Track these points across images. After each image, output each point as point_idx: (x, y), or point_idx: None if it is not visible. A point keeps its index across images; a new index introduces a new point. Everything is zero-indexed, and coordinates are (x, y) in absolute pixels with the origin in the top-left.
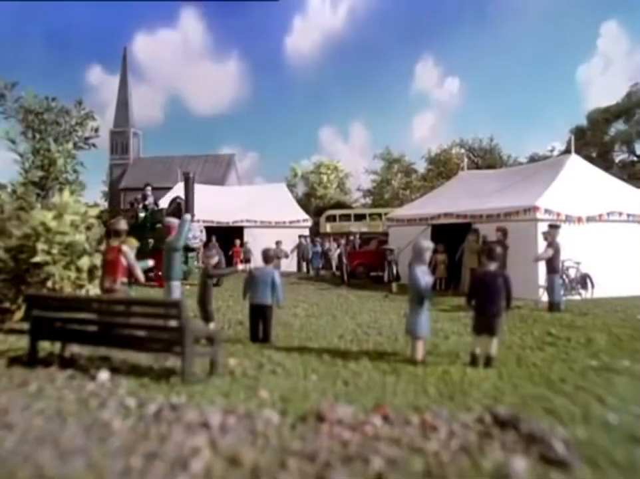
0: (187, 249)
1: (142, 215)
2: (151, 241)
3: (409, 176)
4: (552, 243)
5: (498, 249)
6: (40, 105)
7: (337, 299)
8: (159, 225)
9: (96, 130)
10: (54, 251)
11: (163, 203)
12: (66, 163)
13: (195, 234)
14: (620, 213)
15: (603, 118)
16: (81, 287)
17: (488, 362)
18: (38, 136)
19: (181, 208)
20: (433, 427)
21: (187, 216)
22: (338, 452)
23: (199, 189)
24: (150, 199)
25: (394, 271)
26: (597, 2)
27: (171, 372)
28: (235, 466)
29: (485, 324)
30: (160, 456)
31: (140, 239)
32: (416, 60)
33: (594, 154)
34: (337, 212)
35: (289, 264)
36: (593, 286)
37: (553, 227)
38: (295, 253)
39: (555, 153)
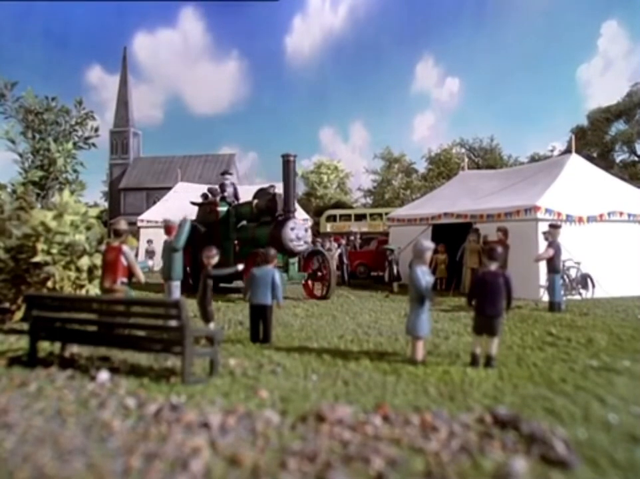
0: (290, 253)
1: (223, 210)
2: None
3: (409, 176)
4: (553, 243)
5: (499, 249)
6: (40, 105)
7: (337, 299)
8: (244, 223)
9: (96, 129)
10: (54, 251)
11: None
12: (66, 163)
13: (298, 234)
14: (620, 213)
15: (603, 117)
16: (81, 287)
17: (488, 362)
18: (38, 135)
19: (276, 200)
20: (433, 427)
21: (188, 217)
22: (338, 452)
23: (199, 189)
24: (230, 191)
25: (395, 271)
26: (597, 2)
27: (171, 372)
28: (235, 466)
29: (485, 325)
30: (160, 456)
31: (223, 239)
32: (416, 60)
33: (595, 154)
34: (337, 212)
35: None
36: (593, 286)
37: (554, 227)
38: None
39: (556, 153)
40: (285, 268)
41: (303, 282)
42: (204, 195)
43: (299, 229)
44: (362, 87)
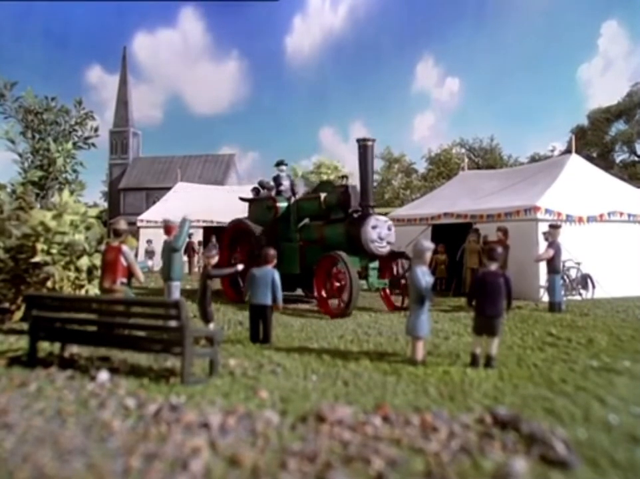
0: (371, 256)
1: (282, 205)
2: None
3: (409, 176)
4: (553, 243)
5: (499, 249)
6: (40, 105)
7: None
8: (307, 221)
9: (96, 129)
10: (54, 251)
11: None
12: (65, 163)
13: (381, 233)
14: (621, 213)
15: (603, 117)
16: (81, 287)
17: (489, 362)
18: (37, 135)
19: (350, 194)
20: (433, 427)
21: (188, 216)
22: (338, 453)
23: (199, 189)
24: (286, 184)
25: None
26: (598, 2)
27: (171, 372)
28: (235, 466)
29: (485, 325)
30: (160, 457)
31: (282, 240)
32: (417, 60)
33: (595, 154)
34: None
35: None
36: (593, 286)
37: (554, 227)
38: None
39: (556, 153)
40: (363, 274)
41: (382, 291)
42: (255, 190)
43: (381, 227)
44: (362, 87)
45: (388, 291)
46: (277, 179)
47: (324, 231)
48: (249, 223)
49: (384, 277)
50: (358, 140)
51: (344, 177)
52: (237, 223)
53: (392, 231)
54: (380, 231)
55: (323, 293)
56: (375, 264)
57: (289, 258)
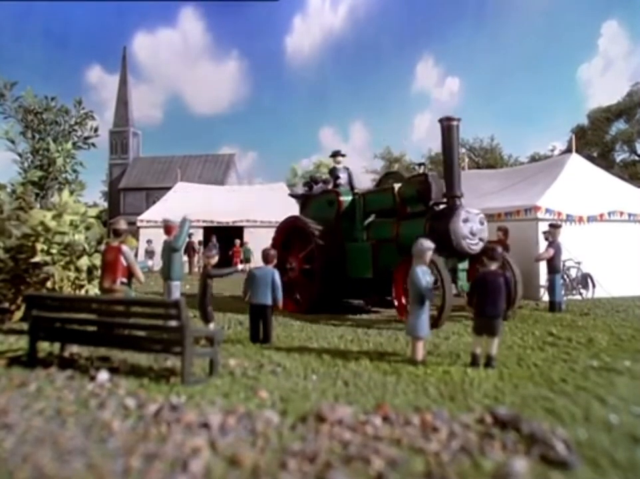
0: (462, 255)
1: (346, 200)
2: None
3: None
4: (553, 243)
5: (499, 249)
6: (40, 105)
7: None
8: (372, 218)
9: (96, 129)
10: (54, 251)
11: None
12: (65, 163)
13: (473, 228)
14: (621, 213)
15: (604, 117)
16: (81, 287)
17: (489, 362)
18: (37, 135)
19: (430, 184)
20: (433, 427)
21: (188, 216)
22: (338, 453)
23: (199, 189)
24: (344, 177)
25: None
26: (598, 2)
27: (171, 372)
28: (235, 466)
29: (485, 325)
30: (160, 457)
31: (347, 238)
32: (416, 59)
33: (595, 154)
34: None
35: None
36: (594, 286)
37: (554, 227)
38: None
39: (556, 152)
40: (451, 275)
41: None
42: (308, 185)
43: (473, 221)
44: (362, 87)
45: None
46: (333, 172)
47: (400, 228)
48: (308, 221)
49: (470, 280)
50: (441, 120)
51: (422, 164)
52: (292, 221)
53: (485, 225)
54: (472, 226)
55: (404, 301)
56: (465, 265)
57: (357, 260)
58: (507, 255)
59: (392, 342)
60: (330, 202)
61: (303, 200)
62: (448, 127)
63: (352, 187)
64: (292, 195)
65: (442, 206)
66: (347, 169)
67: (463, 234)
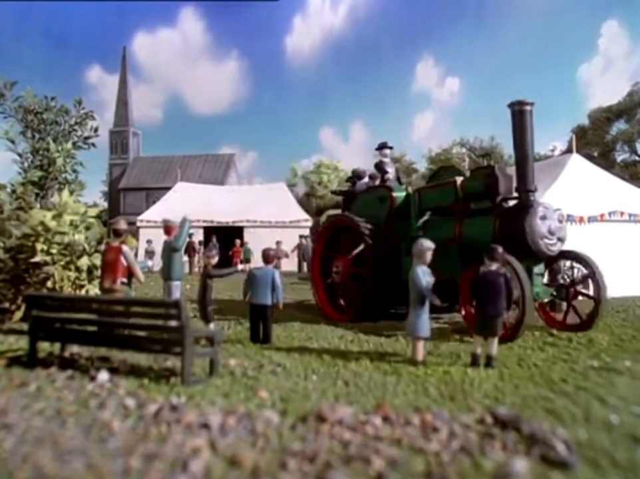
0: (536, 256)
1: (400, 196)
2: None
3: (410, 176)
4: None
5: (499, 249)
6: (40, 104)
7: None
8: (428, 216)
9: (96, 129)
10: (54, 251)
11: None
12: (65, 163)
13: (551, 226)
14: (621, 213)
15: (604, 117)
16: (81, 287)
17: (489, 362)
18: (37, 135)
19: (498, 177)
20: (434, 427)
21: (188, 216)
22: (338, 453)
23: (199, 189)
24: (392, 171)
25: None
26: (598, 2)
27: (171, 372)
28: (235, 466)
29: (486, 325)
30: (160, 457)
31: (400, 238)
32: (417, 59)
33: (595, 154)
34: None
35: (290, 264)
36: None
37: None
38: (296, 253)
39: (557, 152)
40: (529, 277)
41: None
42: (351, 181)
43: (551, 218)
44: (362, 87)
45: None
46: (380, 167)
47: (463, 226)
48: (357, 219)
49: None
50: (511, 104)
51: (486, 156)
52: (339, 219)
53: (564, 223)
54: (550, 224)
55: (472, 310)
56: (540, 268)
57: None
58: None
59: (392, 342)
60: (382, 199)
61: (347, 197)
62: (519, 112)
63: (399, 183)
64: (334, 192)
65: (511, 202)
66: (394, 162)
67: (541, 233)
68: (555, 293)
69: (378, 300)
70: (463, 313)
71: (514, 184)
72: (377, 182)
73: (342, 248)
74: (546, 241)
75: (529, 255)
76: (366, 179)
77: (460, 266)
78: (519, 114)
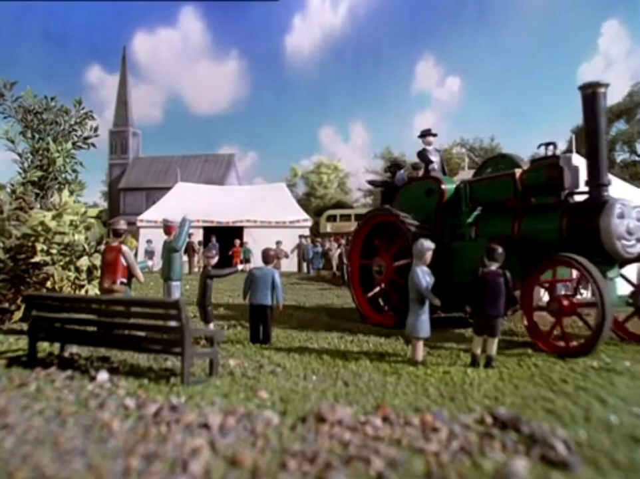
0: (612, 259)
1: (450, 188)
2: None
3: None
4: None
5: (499, 249)
6: (40, 105)
7: (338, 299)
8: (480, 212)
9: (96, 129)
10: (54, 251)
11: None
12: (65, 163)
13: (630, 225)
14: None
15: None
16: (80, 287)
17: (488, 362)
18: (37, 135)
19: (563, 169)
20: (433, 428)
21: (188, 216)
22: (338, 453)
23: (199, 189)
24: (436, 160)
25: None
26: (598, 2)
27: (170, 372)
28: (235, 466)
29: (486, 325)
30: (160, 457)
31: (450, 235)
32: (417, 59)
33: None
34: (338, 212)
35: (290, 264)
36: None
37: None
38: (296, 253)
39: (557, 152)
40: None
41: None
42: (390, 171)
43: (629, 216)
44: (363, 87)
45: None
46: (423, 155)
47: (522, 224)
48: (401, 214)
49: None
50: (582, 87)
51: (551, 144)
52: (380, 214)
53: None
54: (628, 223)
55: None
56: (615, 272)
57: (464, 263)
58: None
59: (392, 342)
60: (429, 191)
61: (387, 189)
62: (591, 96)
63: (444, 174)
64: (372, 182)
65: (579, 197)
66: (439, 151)
67: (618, 233)
68: (630, 300)
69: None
70: (526, 323)
71: (582, 177)
72: (420, 173)
73: (384, 246)
74: (624, 242)
75: (602, 258)
76: (412, 170)
77: (516, 268)
78: (591, 98)
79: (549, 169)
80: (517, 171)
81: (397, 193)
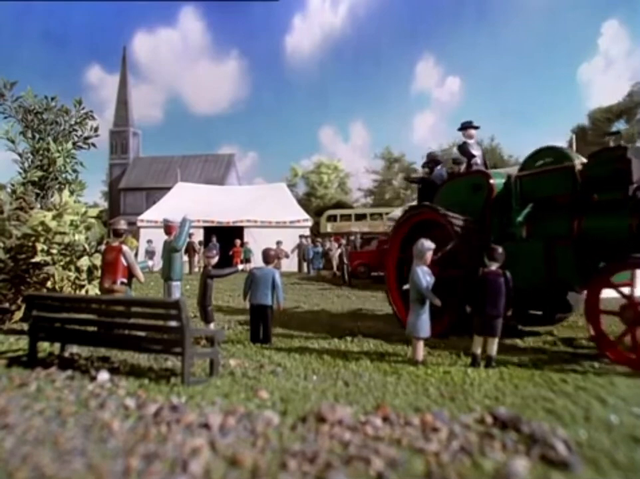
0: None
1: (499, 183)
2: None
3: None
4: None
5: (499, 249)
6: (40, 105)
7: (338, 299)
8: (530, 209)
9: (96, 129)
10: (54, 251)
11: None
12: (65, 163)
13: None
14: None
15: (604, 117)
16: (81, 287)
17: (488, 363)
18: (37, 135)
19: (629, 161)
20: (434, 428)
21: (188, 216)
22: (338, 453)
23: (199, 189)
24: (478, 154)
25: None
26: (599, 1)
27: (171, 372)
28: (235, 466)
29: (486, 325)
30: (160, 457)
31: (500, 234)
32: (417, 59)
33: None
34: (338, 212)
35: (290, 264)
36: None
37: None
38: (296, 253)
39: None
40: None
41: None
42: (428, 166)
43: None
44: (363, 87)
45: None
46: (464, 149)
47: (583, 222)
48: (446, 212)
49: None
50: None
51: (615, 134)
52: (423, 212)
53: None
54: None
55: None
56: None
57: (516, 264)
58: None
59: (392, 342)
60: (476, 187)
61: (425, 185)
62: None
63: (486, 168)
64: (408, 179)
65: None
66: (480, 145)
67: None
68: None
69: (474, 309)
70: (592, 332)
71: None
72: (462, 168)
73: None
74: None
75: None
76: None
77: (574, 270)
78: None
79: (615, 161)
80: (577, 164)
81: (438, 190)
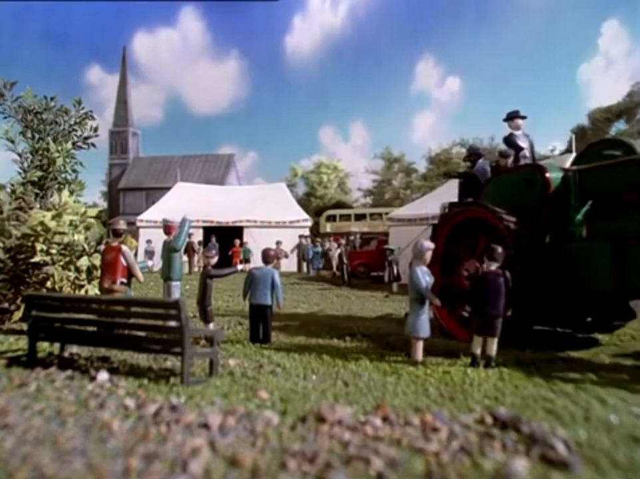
0: None
1: (556, 177)
2: None
3: (409, 176)
4: None
5: (499, 249)
6: (40, 105)
7: (337, 299)
8: (589, 206)
9: (96, 129)
10: (53, 251)
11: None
12: (65, 163)
13: None
14: None
15: (604, 117)
16: (80, 287)
17: (488, 363)
18: (37, 135)
19: None
20: (434, 428)
21: (188, 216)
22: (338, 453)
23: (199, 189)
24: (526, 146)
25: (395, 271)
26: (598, 2)
27: (170, 372)
28: (235, 466)
29: (486, 325)
30: (160, 457)
31: (558, 234)
32: (417, 59)
33: None
34: (337, 212)
35: (289, 264)
36: None
37: None
38: (295, 253)
39: (556, 153)
40: None
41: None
42: (470, 160)
43: None
44: (363, 87)
45: None
46: (511, 141)
47: None
48: (497, 210)
49: None
50: None
51: None
52: (470, 210)
53: None
54: None
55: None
56: None
57: (580, 266)
58: None
59: (392, 342)
60: (530, 182)
61: (468, 180)
62: None
63: (534, 160)
64: (448, 174)
65: None
66: (527, 136)
67: None
68: None
69: (527, 316)
70: None
71: None
72: (509, 162)
73: (471, 246)
74: None
75: None
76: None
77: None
78: None
79: None
80: None
81: (484, 186)
